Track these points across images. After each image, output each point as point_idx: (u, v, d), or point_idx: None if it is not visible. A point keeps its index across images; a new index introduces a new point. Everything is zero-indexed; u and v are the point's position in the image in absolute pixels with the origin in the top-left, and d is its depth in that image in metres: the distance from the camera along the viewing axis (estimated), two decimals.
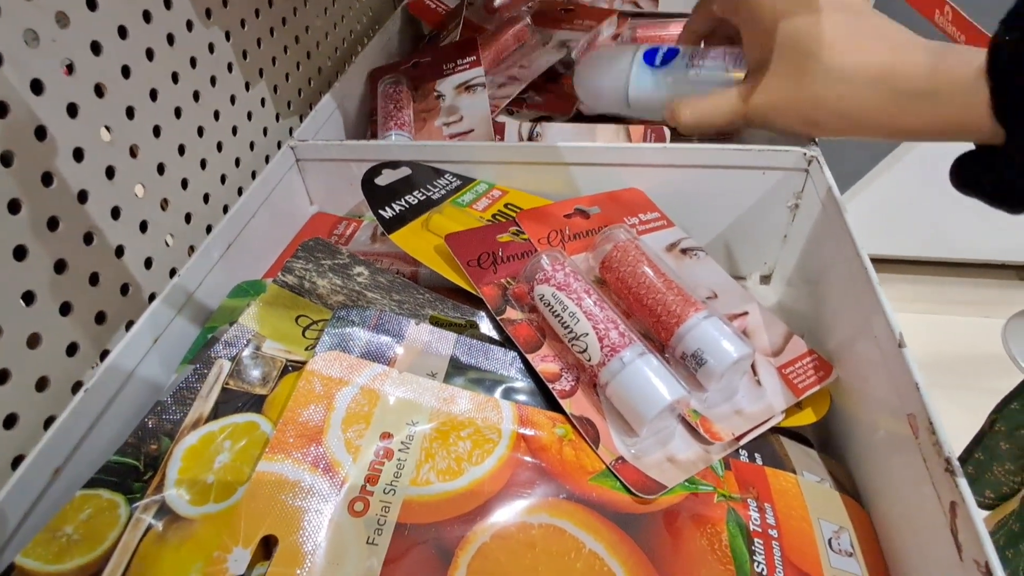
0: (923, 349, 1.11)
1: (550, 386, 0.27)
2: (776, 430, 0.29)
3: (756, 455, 0.27)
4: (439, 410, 0.26)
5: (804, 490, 0.26)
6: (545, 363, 0.28)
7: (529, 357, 0.28)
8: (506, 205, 0.37)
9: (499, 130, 0.44)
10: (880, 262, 1.17)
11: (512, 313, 0.29)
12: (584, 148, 0.37)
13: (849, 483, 0.28)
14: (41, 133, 0.27)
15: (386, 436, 0.24)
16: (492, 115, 0.44)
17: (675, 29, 0.52)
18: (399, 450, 0.24)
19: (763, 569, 0.23)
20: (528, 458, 0.25)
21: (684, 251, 0.35)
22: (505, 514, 0.23)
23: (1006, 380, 1.04)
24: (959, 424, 0.99)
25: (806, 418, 0.29)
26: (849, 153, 1.00)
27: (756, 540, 0.24)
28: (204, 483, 0.23)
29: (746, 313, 0.32)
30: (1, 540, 0.23)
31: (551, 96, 0.49)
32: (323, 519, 0.22)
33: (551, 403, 0.27)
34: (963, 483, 0.20)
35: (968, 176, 0.22)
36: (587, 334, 0.27)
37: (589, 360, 0.27)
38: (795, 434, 0.30)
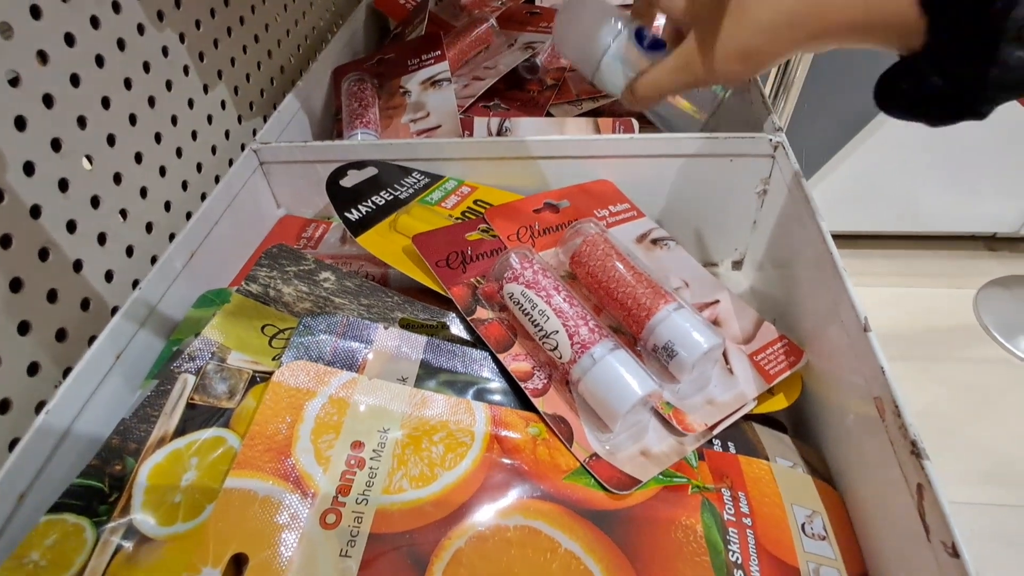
0: (897, 321, 1.12)
1: (522, 385, 0.27)
2: (749, 416, 0.29)
3: (729, 443, 0.27)
4: (411, 415, 0.25)
5: (777, 476, 0.26)
6: (516, 362, 0.28)
7: (500, 357, 0.28)
8: (475, 202, 0.37)
9: (467, 126, 0.44)
10: (852, 238, 1.19)
11: (482, 312, 0.29)
12: (553, 141, 0.37)
13: (822, 467, 0.28)
14: None
15: (357, 445, 0.24)
16: (459, 111, 0.43)
17: None
18: (371, 458, 0.24)
19: (738, 558, 0.23)
20: (502, 459, 0.25)
21: (655, 241, 0.35)
22: (480, 517, 0.23)
23: (978, 349, 1.06)
24: (934, 393, 1.01)
25: (778, 404, 0.29)
26: (820, 132, 1.00)
27: (731, 530, 0.24)
28: (171, 502, 0.22)
29: (717, 302, 0.32)
30: None
31: (517, 103, 0.48)
32: (294, 534, 0.21)
33: (524, 402, 0.27)
34: (929, 465, 0.20)
35: (889, 89, 0.22)
36: (557, 331, 0.26)
37: (560, 358, 0.26)
38: (769, 419, 0.31)
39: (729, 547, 0.24)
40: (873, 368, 0.24)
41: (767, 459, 0.27)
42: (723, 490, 0.25)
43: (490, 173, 0.39)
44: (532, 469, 0.25)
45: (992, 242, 1.26)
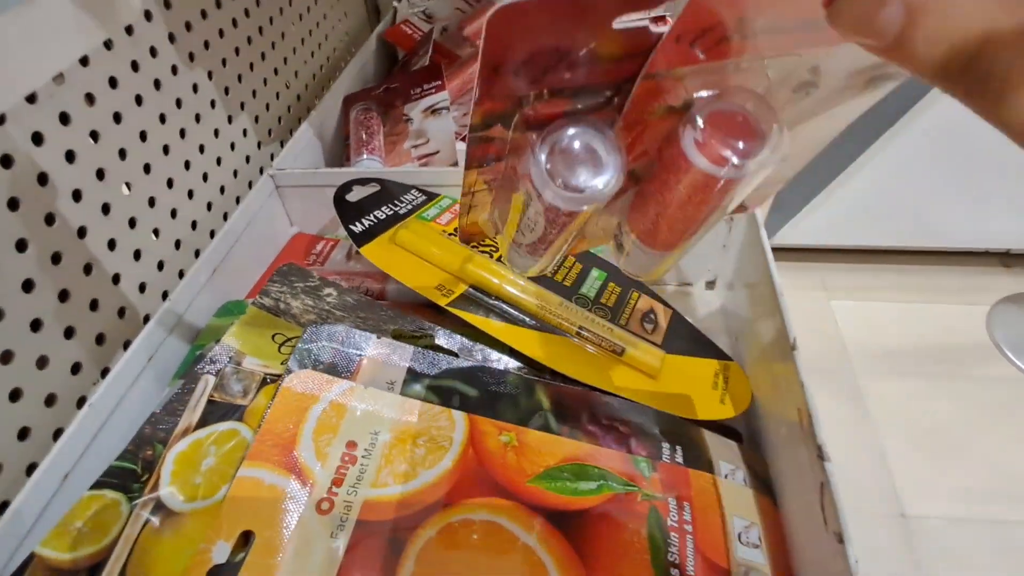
0: (908, 338, 1.12)
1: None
2: (703, 424, 0.32)
3: (678, 447, 0.31)
4: (398, 420, 0.29)
5: (722, 489, 0.30)
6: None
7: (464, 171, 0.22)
8: None
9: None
10: (864, 252, 1.19)
11: (497, 131, 0.20)
12: None
13: (764, 473, 0.32)
14: (43, 179, 0.31)
15: (351, 444, 0.28)
16: (456, 138, 0.47)
17: None
18: (362, 456, 0.28)
19: (676, 559, 0.27)
20: (475, 463, 0.28)
21: None
22: (451, 512, 0.27)
23: (992, 367, 1.06)
24: (946, 411, 1.01)
25: (726, 412, 0.33)
26: (830, 146, 1.02)
27: (672, 534, 0.27)
28: (193, 483, 0.26)
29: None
30: (20, 536, 0.27)
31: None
32: (293, 517, 0.25)
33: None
34: (829, 467, 0.24)
35: None
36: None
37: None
38: (726, 429, 0.34)
39: (669, 549, 0.27)
40: (797, 383, 0.27)
41: (712, 464, 0.30)
42: (670, 499, 0.29)
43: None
44: (500, 472, 0.28)
45: (1006, 258, 1.25)
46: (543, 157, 0.19)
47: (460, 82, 0.54)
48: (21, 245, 0.30)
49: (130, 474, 0.27)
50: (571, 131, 0.19)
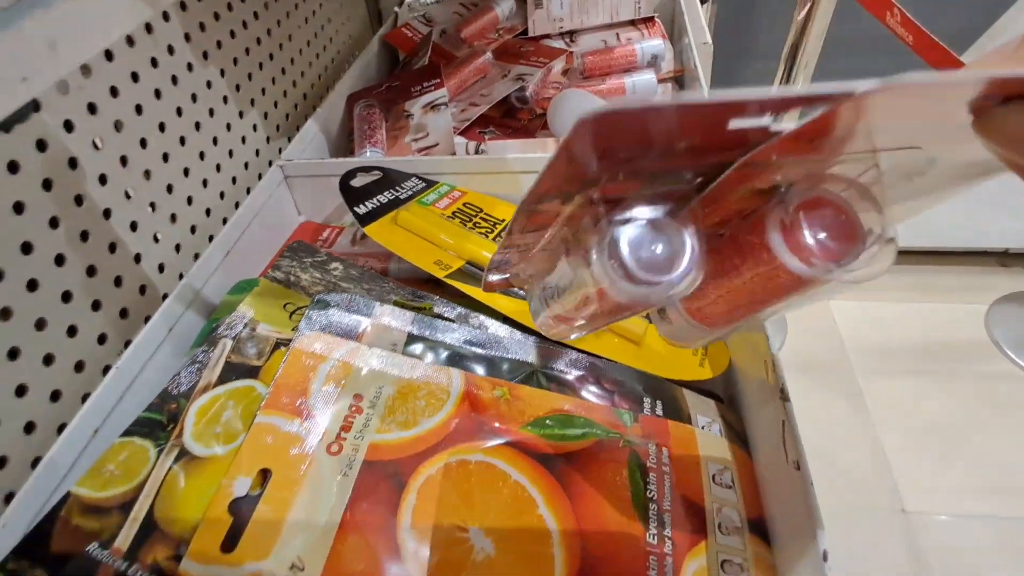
0: (907, 337, 1.14)
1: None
2: (683, 384, 0.35)
3: (658, 402, 0.33)
4: (400, 377, 0.32)
5: (699, 438, 0.32)
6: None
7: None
8: (464, 204, 0.44)
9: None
10: None
11: (550, 206, 0.19)
12: (527, 158, 0.44)
13: (740, 427, 0.34)
14: (73, 163, 0.34)
15: (358, 397, 0.31)
16: (454, 132, 0.50)
17: (619, 53, 0.59)
18: (368, 407, 0.30)
19: (654, 495, 0.29)
20: (470, 413, 0.31)
21: None
22: (449, 453, 0.29)
23: (990, 365, 1.08)
24: (945, 408, 1.03)
25: (704, 373, 0.35)
26: None
27: (651, 474, 0.30)
28: (213, 432, 0.29)
29: None
30: (54, 483, 0.29)
31: (509, 130, 0.55)
32: (306, 457, 0.28)
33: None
34: (790, 406, 0.26)
35: None
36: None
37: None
38: (706, 392, 0.36)
39: (648, 487, 0.30)
40: (764, 339, 0.30)
41: (691, 417, 0.33)
42: (649, 445, 0.31)
43: (475, 183, 0.46)
44: (494, 420, 0.31)
45: (1005, 258, 1.27)
46: (617, 248, 0.16)
47: (458, 80, 0.57)
48: (54, 222, 0.33)
49: (157, 424, 0.29)
50: (646, 221, 0.16)
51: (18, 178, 0.31)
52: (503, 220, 0.43)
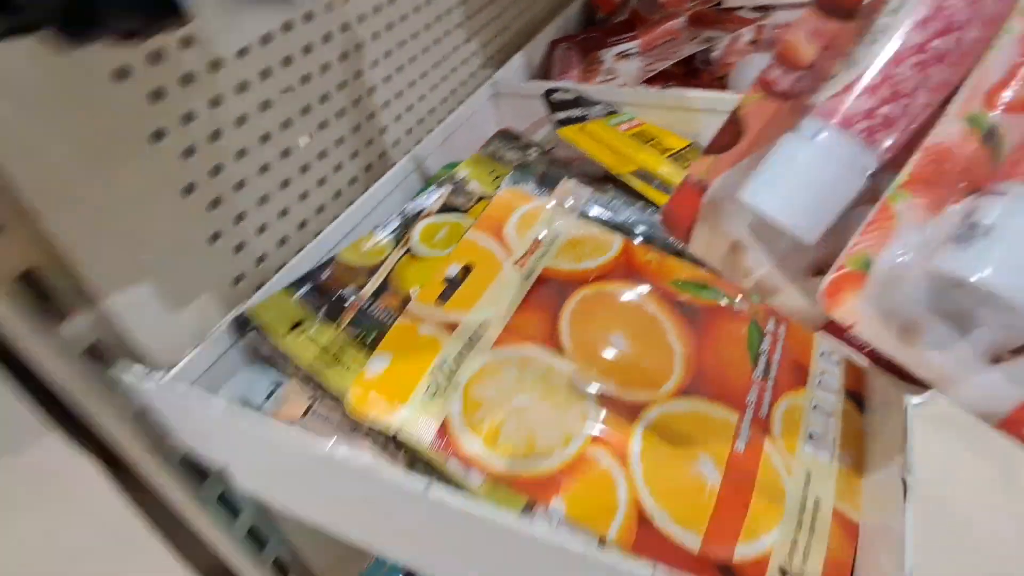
0: None
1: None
2: None
3: None
4: (571, 231, 0.40)
5: (815, 335, 0.37)
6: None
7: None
8: (642, 130, 0.51)
9: None
10: None
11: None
12: (707, 96, 0.50)
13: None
14: (359, 47, 0.46)
15: (537, 242, 0.39)
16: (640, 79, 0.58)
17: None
18: (546, 244, 0.39)
19: (766, 350, 0.35)
20: (625, 263, 0.38)
21: None
22: (605, 284, 0.37)
23: None
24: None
25: None
26: None
27: (767, 337, 0.36)
28: (433, 240, 0.39)
29: None
30: (323, 254, 0.41)
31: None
32: (500, 264, 0.37)
33: None
34: None
35: None
36: None
37: None
38: None
39: (762, 345, 0.35)
40: None
41: None
42: (771, 318, 0.37)
43: (654, 115, 0.53)
44: (644, 272, 0.38)
45: None
46: None
47: (649, 38, 0.64)
48: (342, 85, 0.45)
49: (399, 227, 0.40)
50: None
51: (327, 47, 0.43)
52: (674, 148, 0.50)
